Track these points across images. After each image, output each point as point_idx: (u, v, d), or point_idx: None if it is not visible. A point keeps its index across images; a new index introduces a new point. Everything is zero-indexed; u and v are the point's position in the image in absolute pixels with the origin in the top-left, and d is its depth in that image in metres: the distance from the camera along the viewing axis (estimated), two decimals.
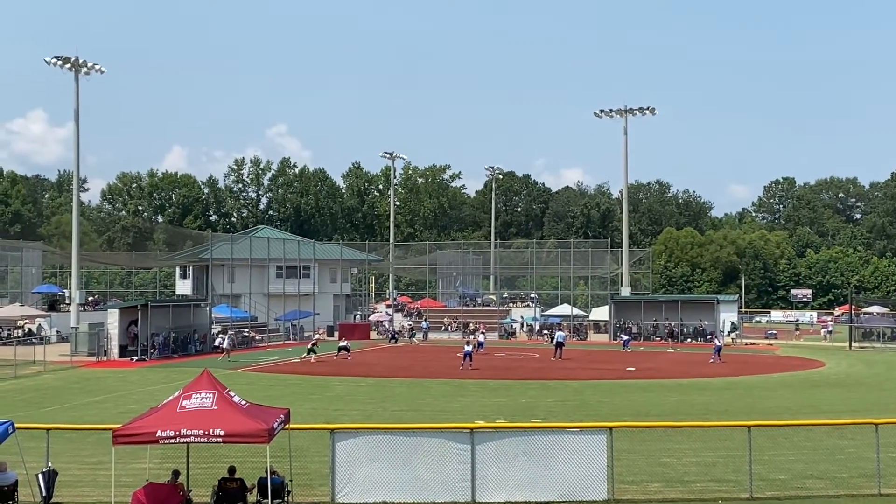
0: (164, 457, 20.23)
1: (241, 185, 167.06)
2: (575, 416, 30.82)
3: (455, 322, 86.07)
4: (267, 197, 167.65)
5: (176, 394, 17.11)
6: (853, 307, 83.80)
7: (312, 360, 55.16)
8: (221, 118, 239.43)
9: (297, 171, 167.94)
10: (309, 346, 58.13)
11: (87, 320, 64.92)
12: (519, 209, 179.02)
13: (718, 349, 57.43)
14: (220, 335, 64.30)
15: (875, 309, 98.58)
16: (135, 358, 55.89)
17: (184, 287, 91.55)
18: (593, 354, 62.25)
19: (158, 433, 15.93)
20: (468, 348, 52.65)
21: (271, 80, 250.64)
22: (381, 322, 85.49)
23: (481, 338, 65.92)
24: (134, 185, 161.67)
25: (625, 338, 67.90)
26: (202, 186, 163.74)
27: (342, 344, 59.73)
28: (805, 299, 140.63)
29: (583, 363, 54.63)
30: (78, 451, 24.09)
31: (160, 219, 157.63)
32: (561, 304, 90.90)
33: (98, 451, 22.78)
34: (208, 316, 68.16)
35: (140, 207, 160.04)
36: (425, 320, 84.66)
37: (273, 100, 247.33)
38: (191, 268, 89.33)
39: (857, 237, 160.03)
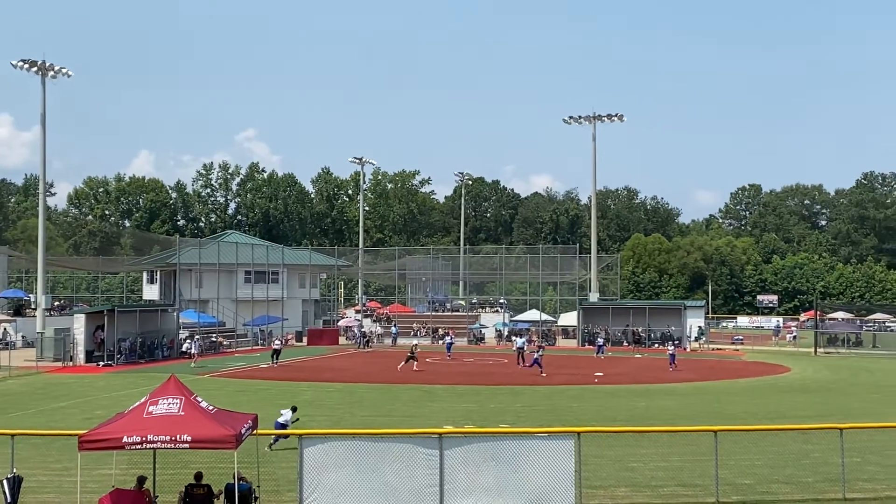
0: (130, 463, 20.11)
1: (209, 190, 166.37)
2: (543, 422, 30.93)
3: (424, 327, 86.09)
4: (235, 202, 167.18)
5: (142, 399, 16.99)
6: (818, 313, 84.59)
7: (275, 366, 55.04)
8: (189, 123, 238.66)
9: (265, 175, 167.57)
10: (273, 349, 57.87)
11: (53, 325, 64.39)
12: (488, 215, 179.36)
13: (673, 356, 56.29)
14: (188, 340, 64.02)
15: (840, 315, 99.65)
16: (101, 363, 55.49)
17: (151, 292, 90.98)
18: (562, 360, 62.39)
19: (125, 439, 15.82)
20: (520, 342, 58.69)
21: (240, 85, 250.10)
22: (350, 327, 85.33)
23: (448, 339, 66.30)
24: (101, 190, 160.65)
25: (599, 342, 68.05)
26: (170, 191, 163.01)
27: (276, 347, 58.76)
28: (771, 305, 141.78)
29: (552, 368, 54.76)
30: (43, 456, 23.90)
31: (127, 223, 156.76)
32: (530, 309, 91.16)
33: (64, 457, 22.62)
34: (176, 321, 67.77)
35: (107, 212, 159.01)
36: (394, 325, 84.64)
37: (242, 104, 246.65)
38: (158, 273, 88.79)
39: (823, 244, 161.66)
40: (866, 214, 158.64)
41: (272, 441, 25.44)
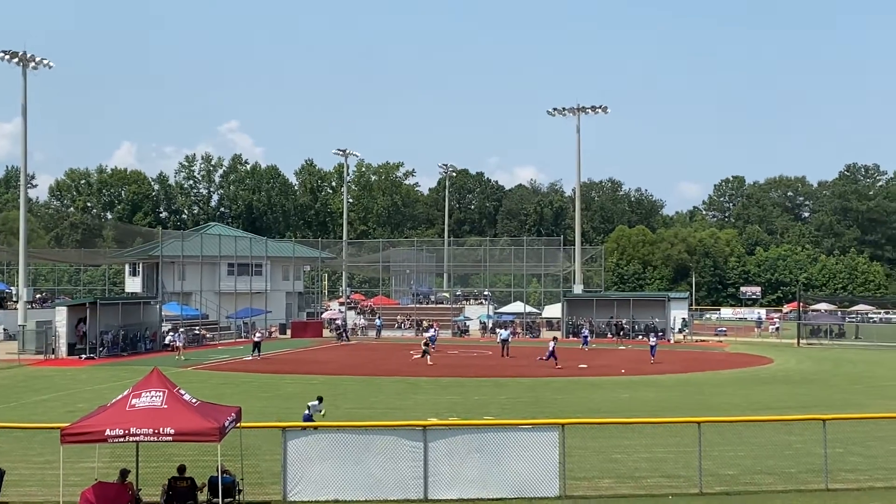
0: (113, 456, 20.00)
1: (191, 182, 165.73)
2: (527, 413, 30.93)
3: (408, 320, 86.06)
4: (218, 194, 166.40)
5: (125, 392, 16.94)
6: (801, 304, 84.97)
7: (258, 358, 54.94)
8: (172, 114, 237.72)
9: (248, 167, 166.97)
10: (254, 342, 57.72)
11: (35, 318, 64.19)
12: (472, 207, 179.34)
13: (653, 348, 55.78)
14: (171, 333, 63.85)
15: (822, 306, 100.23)
16: (83, 356, 55.23)
17: (133, 285, 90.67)
18: (545, 352, 62.41)
19: (107, 432, 15.77)
20: (504, 334, 58.79)
21: (223, 76, 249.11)
22: (335, 320, 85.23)
23: (432, 332, 66.27)
24: (82, 182, 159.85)
25: (585, 334, 68.14)
26: (152, 183, 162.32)
27: (257, 339, 58.10)
28: (754, 296, 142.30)
29: (535, 360, 54.79)
30: (25, 450, 23.77)
31: (109, 216, 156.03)
32: (514, 301, 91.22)
33: (46, 451, 22.52)
34: (158, 314, 67.53)
35: (89, 204, 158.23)
36: (379, 318, 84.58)
37: (224, 96, 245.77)
38: (141, 265, 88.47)
39: (806, 235, 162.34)
40: (849, 206, 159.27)
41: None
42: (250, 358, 55.48)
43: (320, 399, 26.81)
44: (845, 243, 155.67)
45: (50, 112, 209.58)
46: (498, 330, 65.87)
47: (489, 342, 73.53)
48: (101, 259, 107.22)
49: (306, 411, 25.62)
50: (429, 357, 53.55)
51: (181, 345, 57.55)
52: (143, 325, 63.51)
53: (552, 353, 51.36)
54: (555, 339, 55.81)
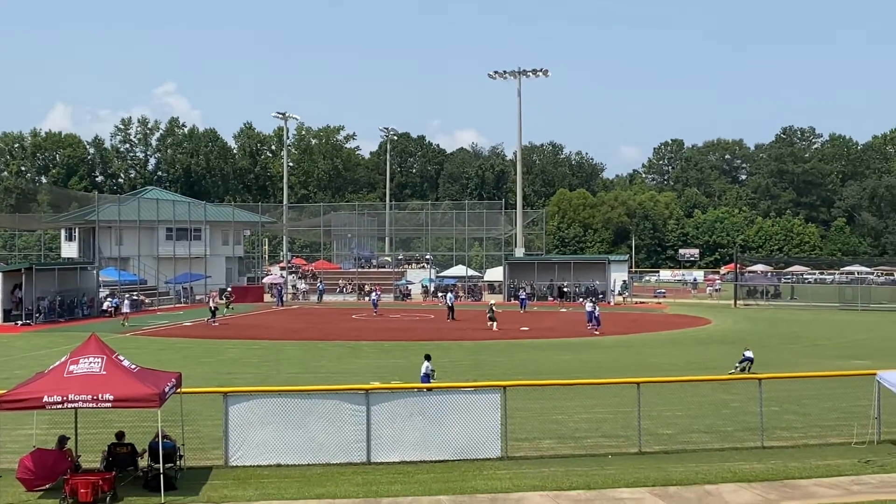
0: (51, 423, 19.78)
1: (128, 146, 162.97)
2: (469, 376, 31.11)
3: (350, 284, 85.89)
4: (155, 157, 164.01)
5: (63, 358, 16.74)
6: (738, 266, 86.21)
7: (214, 324, 54.45)
8: (106, 75, 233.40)
9: (186, 131, 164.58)
10: (211, 307, 56.95)
11: None
12: (414, 170, 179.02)
13: (590, 314, 51.81)
14: (109, 298, 63.08)
15: (759, 267, 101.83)
16: (19, 322, 54.40)
17: (70, 250, 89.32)
18: (460, 317, 62.75)
19: (45, 398, 15.59)
20: (450, 297, 59.47)
21: (158, 36, 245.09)
22: (276, 284, 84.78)
23: (374, 296, 66.33)
24: (16, 146, 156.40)
25: (522, 297, 68.60)
26: (87, 146, 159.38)
27: (213, 307, 57.20)
28: (692, 258, 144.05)
29: (478, 324, 55.03)
30: None
31: (44, 180, 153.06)
32: (456, 265, 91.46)
33: None
34: (96, 279, 66.65)
35: (23, 168, 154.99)
36: (320, 282, 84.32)
37: (160, 57, 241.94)
38: (77, 230, 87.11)
39: (743, 198, 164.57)
40: (785, 168, 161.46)
41: None
42: (210, 322, 54.69)
43: (428, 357, 26.70)
44: (781, 205, 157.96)
45: None
46: (440, 294, 65.86)
47: (431, 305, 73.77)
48: (36, 224, 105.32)
49: (423, 371, 25.79)
50: (495, 324, 51.94)
51: (127, 311, 56.71)
52: (80, 291, 62.64)
53: (593, 316, 50.39)
54: (592, 301, 54.28)
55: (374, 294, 67.58)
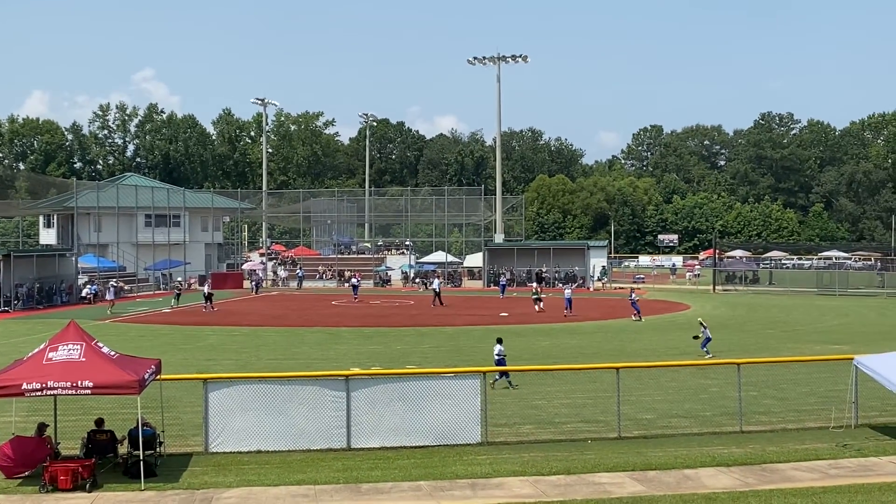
0: (30, 410, 19.72)
1: (106, 132, 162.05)
2: (449, 362, 31.15)
3: (330, 270, 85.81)
4: (134, 144, 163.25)
5: (42, 346, 16.68)
6: (717, 251, 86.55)
7: (214, 310, 54.14)
8: (84, 61, 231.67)
9: (165, 117, 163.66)
10: (205, 293, 56.60)
11: None
12: (393, 156, 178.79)
13: (569, 301, 52.80)
14: (88, 285, 62.81)
15: (738, 253, 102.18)
16: None
17: (48, 237, 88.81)
18: (468, 300, 62.89)
19: (24, 386, 15.54)
20: (436, 283, 60.48)
21: (136, 22, 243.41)
22: (255, 271, 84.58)
23: (354, 281, 66.31)
24: None
25: (502, 283, 68.68)
26: (65, 133, 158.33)
27: (207, 292, 57.04)
28: (671, 244, 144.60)
29: (458, 309, 55.10)
30: None
31: (22, 166, 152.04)
32: (435, 251, 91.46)
33: None
34: (74, 266, 66.33)
35: (0, 154, 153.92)
36: (300, 269, 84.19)
37: (138, 43, 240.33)
38: (55, 217, 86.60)
39: (722, 183, 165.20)
40: (764, 154, 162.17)
41: (495, 378, 25.39)
42: (209, 310, 54.34)
43: (499, 340, 27.04)
44: (760, 191, 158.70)
45: None
46: (421, 280, 65.83)
47: (411, 291, 73.80)
48: (14, 211, 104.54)
49: (497, 356, 26.17)
50: (540, 304, 53.22)
51: (113, 298, 56.41)
52: (58, 278, 62.34)
53: (634, 305, 49.89)
54: (632, 290, 53.46)
55: (353, 279, 67.52)
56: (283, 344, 38.80)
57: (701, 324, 34.29)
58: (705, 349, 33.10)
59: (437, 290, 60.20)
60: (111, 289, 58.17)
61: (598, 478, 16.73)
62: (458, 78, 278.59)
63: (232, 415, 18.70)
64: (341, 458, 18.14)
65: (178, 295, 56.74)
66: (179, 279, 60.77)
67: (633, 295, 50.93)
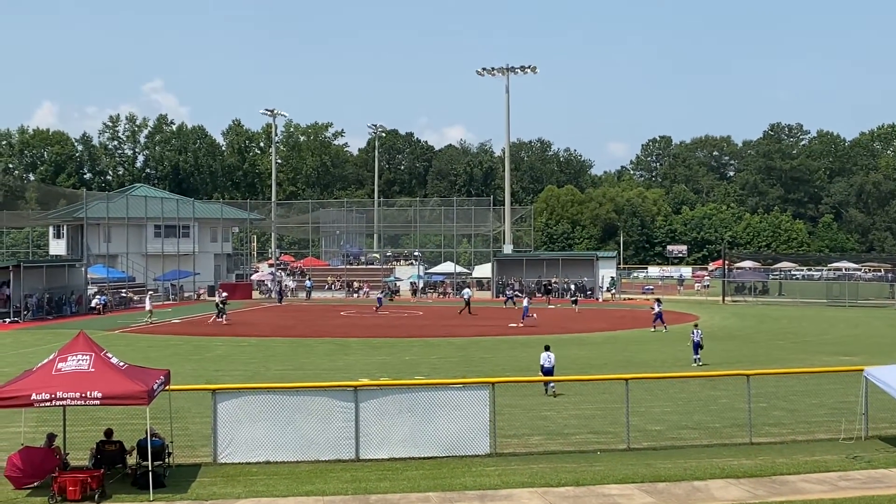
0: (39, 420, 19.75)
1: (116, 143, 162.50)
2: (458, 373, 31.09)
3: (339, 281, 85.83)
4: (144, 154, 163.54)
5: (51, 356, 16.70)
6: (726, 262, 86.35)
7: (224, 322, 53.23)
8: (94, 73, 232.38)
9: (174, 128, 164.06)
10: (218, 304, 55.21)
11: None
12: (402, 167, 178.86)
13: (527, 309, 54.06)
14: (97, 296, 62.98)
15: (747, 264, 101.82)
16: (7, 320, 54.25)
17: (58, 247, 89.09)
18: (476, 311, 62.81)
19: (33, 396, 15.55)
20: (467, 293, 61.60)
21: (146, 33, 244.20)
22: (263, 282, 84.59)
23: (379, 294, 67.12)
24: (3, 143, 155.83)
25: (508, 294, 68.66)
26: (76, 144, 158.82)
27: (220, 302, 55.66)
28: (680, 255, 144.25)
29: (466, 320, 55.10)
30: None
31: (32, 177, 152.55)
32: (444, 261, 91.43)
33: None
34: (84, 276, 66.49)
35: (10, 165, 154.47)
36: (309, 279, 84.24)
37: (148, 54, 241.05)
38: (65, 227, 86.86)
39: (731, 194, 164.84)
40: (773, 165, 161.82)
41: (550, 386, 26.16)
42: (223, 321, 53.39)
43: (547, 347, 27.72)
44: (769, 202, 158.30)
45: None
46: (464, 290, 65.56)
47: (420, 302, 73.78)
48: (24, 221, 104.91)
49: (549, 363, 26.84)
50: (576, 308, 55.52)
51: (150, 307, 56.06)
52: (68, 289, 62.50)
53: (659, 315, 49.54)
54: (658, 300, 52.98)
55: (379, 294, 68.19)
56: (292, 355, 38.79)
57: (695, 326, 34.39)
58: (697, 357, 33.34)
59: (468, 298, 61.33)
60: (147, 298, 58.18)
61: (608, 489, 16.68)
62: (466, 89, 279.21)
63: (240, 425, 18.70)
64: (350, 469, 18.11)
65: (221, 311, 54.33)
66: (225, 293, 59.19)
67: (657, 307, 50.39)
